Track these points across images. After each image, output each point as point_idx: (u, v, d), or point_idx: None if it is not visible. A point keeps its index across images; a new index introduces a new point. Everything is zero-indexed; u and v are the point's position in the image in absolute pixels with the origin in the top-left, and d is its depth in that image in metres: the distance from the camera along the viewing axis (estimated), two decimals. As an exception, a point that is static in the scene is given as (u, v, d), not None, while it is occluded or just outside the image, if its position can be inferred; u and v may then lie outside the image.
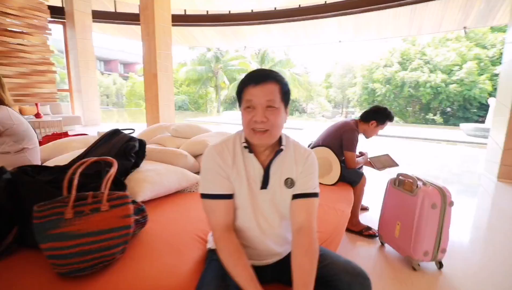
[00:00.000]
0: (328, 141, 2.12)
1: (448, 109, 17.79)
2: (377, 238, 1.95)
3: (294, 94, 21.73)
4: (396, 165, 2.16)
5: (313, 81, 24.94)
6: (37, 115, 5.67)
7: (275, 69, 21.05)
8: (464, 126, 9.60)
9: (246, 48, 11.20)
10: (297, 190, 0.89)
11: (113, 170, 1.07)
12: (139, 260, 0.98)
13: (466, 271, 1.65)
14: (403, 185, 1.71)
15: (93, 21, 7.64)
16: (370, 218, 2.25)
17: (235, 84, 20.98)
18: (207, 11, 8.15)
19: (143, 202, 1.36)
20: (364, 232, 2.02)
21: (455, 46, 17.12)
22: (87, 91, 7.93)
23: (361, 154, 2.27)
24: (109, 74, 27.45)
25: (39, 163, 1.76)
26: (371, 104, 18.41)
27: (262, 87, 0.81)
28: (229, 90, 21.59)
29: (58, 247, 0.87)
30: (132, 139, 1.55)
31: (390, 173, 1.97)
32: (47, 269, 0.90)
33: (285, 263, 0.92)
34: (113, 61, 25.75)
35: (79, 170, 1.00)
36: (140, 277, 0.90)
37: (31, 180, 1.02)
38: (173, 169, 1.65)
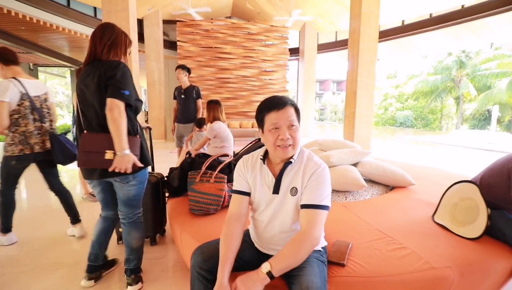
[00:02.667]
0: (488, 178, 1.43)
1: None
2: None
3: None
4: None
5: None
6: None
7: None
8: None
9: (494, 45, 8.16)
10: (302, 200, 1.00)
11: (226, 161, 1.73)
12: (218, 219, 1.56)
13: None
14: None
15: (318, 53, 9.42)
16: None
17: (490, 93, 15.42)
18: (431, 14, 7.07)
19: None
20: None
21: None
22: (307, 109, 9.89)
23: None
24: (339, 94, 31.06)
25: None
26: None
27: (284, 111, 0.99)
28: (480, 102, 16.18)
29: (191, 195, 1.66)
30: (263, 145, 2.16)
31: None
32: (188, 205, 1.72)
33: None
34: (327, 81, 28.94)
35: (212, 159, 1.77)
36: (212, 227, 1.47)
37: (198, 160, 1.93)
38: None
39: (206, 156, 2.01)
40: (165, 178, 2.08)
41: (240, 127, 8.50)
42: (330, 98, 29.49)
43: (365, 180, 2.22)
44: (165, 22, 8.80)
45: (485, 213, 1.33)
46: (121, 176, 1.37)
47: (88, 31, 6.76)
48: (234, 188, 1.14)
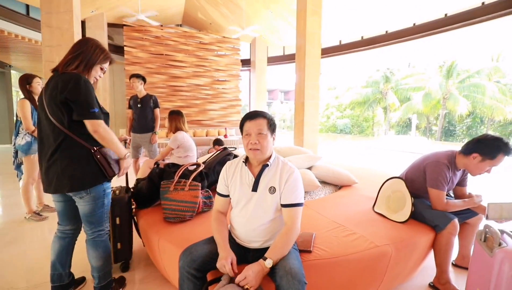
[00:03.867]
0: (410, 174, 1.86)
1: None
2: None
3: (506, 113, 15.63)
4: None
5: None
6: (225, 136, 8.20)
7: (469, 81, 16.53)
8: None
9: (411, 64, 9.82)
10: (282, 201, 1.21)
11: (198, 170, 1.83)
12: (195, 224, 1.65)
13: None
14: (486, 240, 1.28)
15: (268, 65, 9.99)
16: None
17: (410, 104, 18.32)
18: (362, 37, 8.22)
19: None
20: (452, 295, 1.59)
21: None
22: (260, 118, 10.34)
23: (470, 195, 1.77)
24: (286, 103, 32.91)
25: (194, 165, 2.94)
26: None
27: (255, 121, 1.22)
28: (403, 112, 19.09)
29: (165, 203, 1.71)
30: (230, 154, 2.32)
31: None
32: (161, 215, 1.76)
33: (263, 252, 1.24)
34: (274, 90, 30.84)
35: (184, 168, 1.84)
36: (190, 231, 1.56)
37: (168, 170, 1.98)
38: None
39: (176, 165, 2.07)
40: (131, 190, 2.05)
41: (194, 136, 8.41)
42: (278, 107, 30.99)
43: (318, 181, 2.55)
44: (110, 25, 8.27)
45: (410, 201, 1.72)
46: (75, 192, 1.34)
47: (17, 30, 5.96)
48: (217, 190, 1.36)
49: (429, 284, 1.73)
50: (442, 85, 17.01)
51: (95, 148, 1.34)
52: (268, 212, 1.23)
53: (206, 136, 8.47)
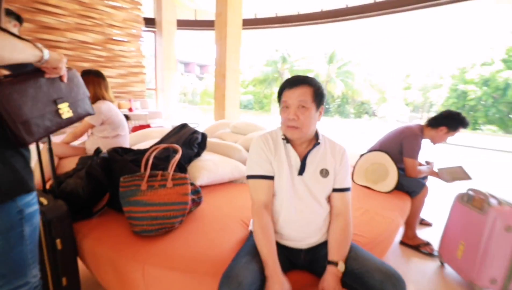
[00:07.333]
0: (387, 146, 1.99)
1: None
2: (436, 256, 1.75)
3: (363, 96, 20.50)
4: (469, 178, 1.88)
5: (391, 82, 22.70)
6: (130, 109, 6.84)
7: (343, 69, 20.22)
8: None
9: (314, 48, 10.92)
10: (336, 184, 1.03)
11: (178, 156, 1.29)
12: (191, 232, 1.18)
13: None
14: (472, 201, 1.50)
15: (177, 29, 8.76)
16: (432, 235, 2.03)
17: (300, 84, 20.88)
18: (276, 14, 8.36)
19: (200, 186, 1.58)
20: (421, 248, 1.84)
21: None
22: (169, 90, 9.16)
23: (427, 163, 2.06)
24: (187, 75, 30.90)
25: (128, 147, 2.19)
26: (461, 109, 15.97)
27: (295, 90, 0.95)
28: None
29: (134, 210, 1.12)
30: (196, 132, 1.80)
31: (461, 187, 1.73)
32: (126, 227, 1.16)
33: (317, 251, 1.00)
34: (191, 64, 28.73)
35: (153, 153, 1.26)
36: (191, 245, 1.09)
37: (120, 158, 1.32)
38: (228, 161, 1.85)
39: (128, 151, 1.41)
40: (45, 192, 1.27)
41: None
42: (178, 80, 28.77)
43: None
44: None
45: (395, 173, 1.82)
46: None
47: None
48: (254, 173, 1.01)
49: (400, 242, 1.94)
50: (326, 69, 20.12)
51: None
52: (322, 199, 1.01)
53: (103, 110, 6.78)
